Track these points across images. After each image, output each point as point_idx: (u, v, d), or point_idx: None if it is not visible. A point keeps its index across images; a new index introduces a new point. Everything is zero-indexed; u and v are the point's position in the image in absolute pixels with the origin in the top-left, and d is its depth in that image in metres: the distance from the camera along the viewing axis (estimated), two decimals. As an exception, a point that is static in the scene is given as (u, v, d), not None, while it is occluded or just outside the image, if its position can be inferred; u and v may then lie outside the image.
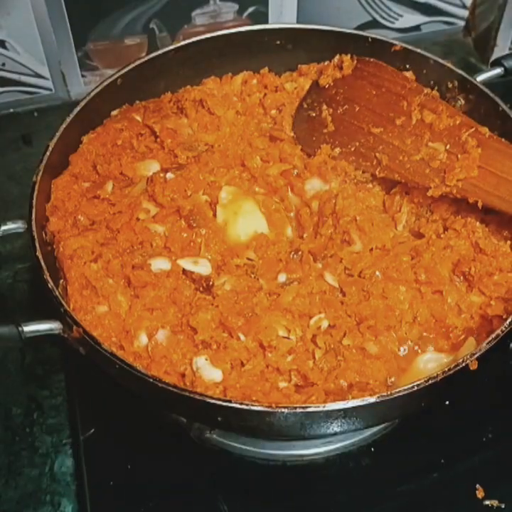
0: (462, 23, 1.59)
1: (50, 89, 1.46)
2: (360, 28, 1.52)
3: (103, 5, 1.37)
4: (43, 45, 1.38)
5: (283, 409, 0.79)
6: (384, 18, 1.54)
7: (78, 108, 1.10)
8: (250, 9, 1.44)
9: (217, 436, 1.01)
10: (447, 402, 1.02)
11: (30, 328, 0.88)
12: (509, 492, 0.98)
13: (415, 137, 1.03)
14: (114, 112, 1.16)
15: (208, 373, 0.88)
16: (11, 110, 1.47)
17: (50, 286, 0.90)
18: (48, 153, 1.03)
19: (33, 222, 0.96)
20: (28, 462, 1.04)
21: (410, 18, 1.56)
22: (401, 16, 1.54)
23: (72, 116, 1.08)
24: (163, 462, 1.00)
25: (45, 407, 1.09)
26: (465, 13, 1.57)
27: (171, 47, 1.19)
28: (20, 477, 1.02)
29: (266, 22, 1.45)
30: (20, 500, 1.00)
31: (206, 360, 0.89)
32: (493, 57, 1.54)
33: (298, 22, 1.46)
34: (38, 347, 1.14)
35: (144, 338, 0.92)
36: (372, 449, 1.02)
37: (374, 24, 1.54)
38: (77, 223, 1.02)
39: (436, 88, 1.17)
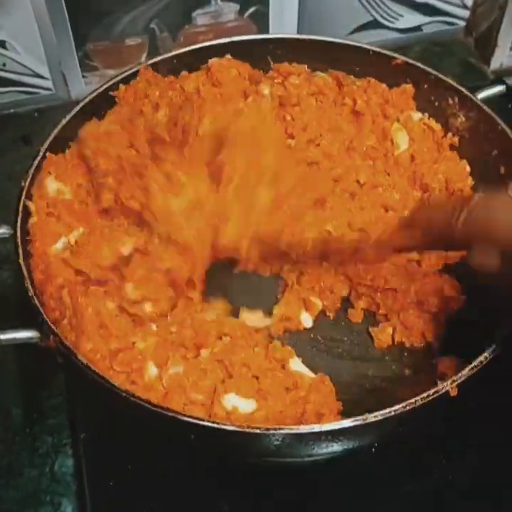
0: (463, 24, 1.59)
1: (51, 90, 1.45)
2: (360, 28, 1.52)
3: (104, 5, 1.36)
4: (43, 45, 1.38)
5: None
6: (384, 18, 1.54)
7: (78, 108, 1.11)
8: (251, 9, 1.44)
9: (218, 436, 1.01)
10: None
11: (7, 336, 0.89)
12: (510, 492, 0.99)
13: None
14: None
15: None
16: (11, 110, 1.47)
17: (30, 294, 0.90)
18: (38, 157, 1.05)
19: (18, 228, 0.96)
20: (28, 462, 1.03)
21: (411, 18, 1.55)
22: (401, 16, 1.54)
23: (69, 117, 1.11)
24: (163, 462, 1.00)
25: (45, 407, 1.08)
26: (466, 13, 1.57)
27: (172, 53, 1.19)
28: (20, 477, 1.02)
29: (267, 22, 1.45)
30: (20, 501, 1.00)
31: None
32: (494, 57, 1.54)
33: (299, 23, 1.46)
34: (37, 347, 1.13)
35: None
36: (373, 449, 1.01)
37: (374, 24, 1.54)
38: None
39: (436, 103, 1.16)
